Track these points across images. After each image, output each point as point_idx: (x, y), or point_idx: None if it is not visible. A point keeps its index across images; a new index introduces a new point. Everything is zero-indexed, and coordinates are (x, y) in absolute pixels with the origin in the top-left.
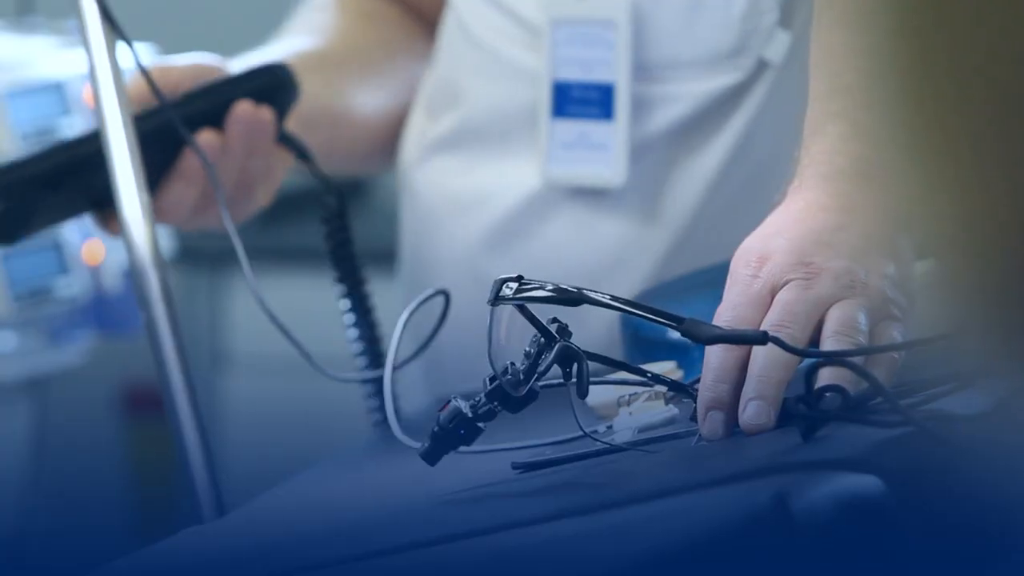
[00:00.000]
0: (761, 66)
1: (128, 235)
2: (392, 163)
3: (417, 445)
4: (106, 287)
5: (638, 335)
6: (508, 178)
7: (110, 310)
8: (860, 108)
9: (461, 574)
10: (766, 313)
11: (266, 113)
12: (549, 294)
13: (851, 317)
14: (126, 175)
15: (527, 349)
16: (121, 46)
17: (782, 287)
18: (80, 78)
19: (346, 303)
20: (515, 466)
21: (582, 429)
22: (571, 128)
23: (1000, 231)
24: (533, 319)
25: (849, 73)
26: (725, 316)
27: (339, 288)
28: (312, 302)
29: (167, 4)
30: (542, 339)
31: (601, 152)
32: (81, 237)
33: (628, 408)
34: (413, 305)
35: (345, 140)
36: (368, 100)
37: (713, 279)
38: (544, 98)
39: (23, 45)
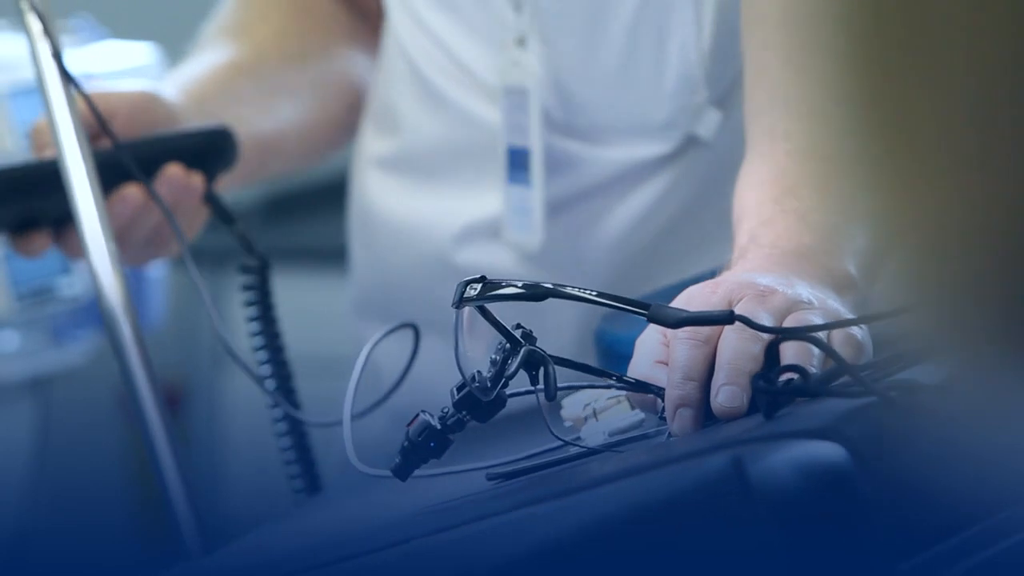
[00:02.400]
0: (690, 140)
1: (98, 284)
2: (328, 156)
3: (379, 472)
4: None
5: (610, 351)
6: (441, 212)
7: None
8: (812, 210)
9: (432, 564)
10: None
11: (196, 179)
12: (517, 291)
13: (809, 319)
14: (92, 225)
15: (493, 356)
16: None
17: (739, 300)
18: (83, 77)
19: (270, 381)
20: (490, 477)
21: (553, 433)
22: (515, 194)
23: (967, 229)
24: (497, 324)
25: (803, 186)
26: (686, 327)
27: (260, 354)
28: (316, 302)
29: (169, 4)
30: (507, 345)
31: (526, 216)
32: None
33: (595, 415)
34: (376, 338)
35: (277, 159)
36: (300, 110)
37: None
38: (502, 164)
39: (25, 45)
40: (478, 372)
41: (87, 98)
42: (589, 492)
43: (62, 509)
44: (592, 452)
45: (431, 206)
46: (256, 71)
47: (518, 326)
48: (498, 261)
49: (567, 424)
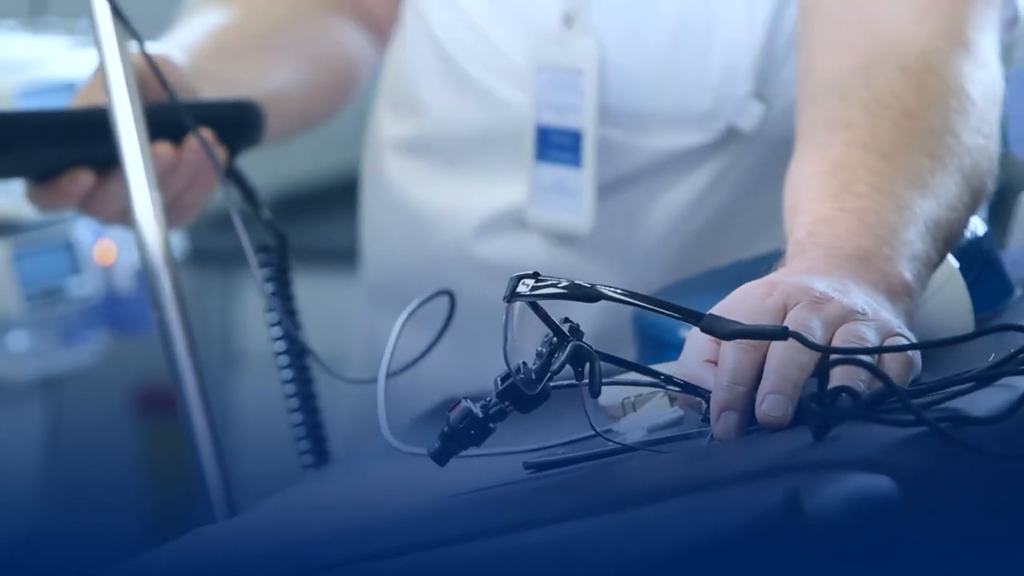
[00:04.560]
0: (731, 132)
1: (140, 237)
2: (321, 123)
3: (413, 450)
4: (118, 287)
5: (648, 335)
6: (467, 199)
7: (122, 310)
8: (870, 210)
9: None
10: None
11: (220, 153)
12: (565, 291)
13: (860, 331)
14: (139, 178)
15: (539, 349)
16: (132, 44)
17: (795, 305)
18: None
19: (287, 374)
20: (527, 466)
21: (594, 429)
22: (550, 173)
23: None
24: (546, 318)
25: (861, 181)
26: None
27: (275, 330)
28: (326, 301)
29: (181, 5)
30: (554, 338)
31: (572, 198)
32: (93, 237)
33: (634, 410)
34: (413, 306)
35: (277, 120)
36: (294, 72)
37: (726, 280)
38: (528, 142)
39: (36, 45)
40: (523, 364)
41: (148, 57)
42: (633, 510)
43: (71, 509)
44: (631, 449)
45: (453, 193)
46: (250, 32)
47: (566, 320)
48: (524, 252)
49: (607, 413)
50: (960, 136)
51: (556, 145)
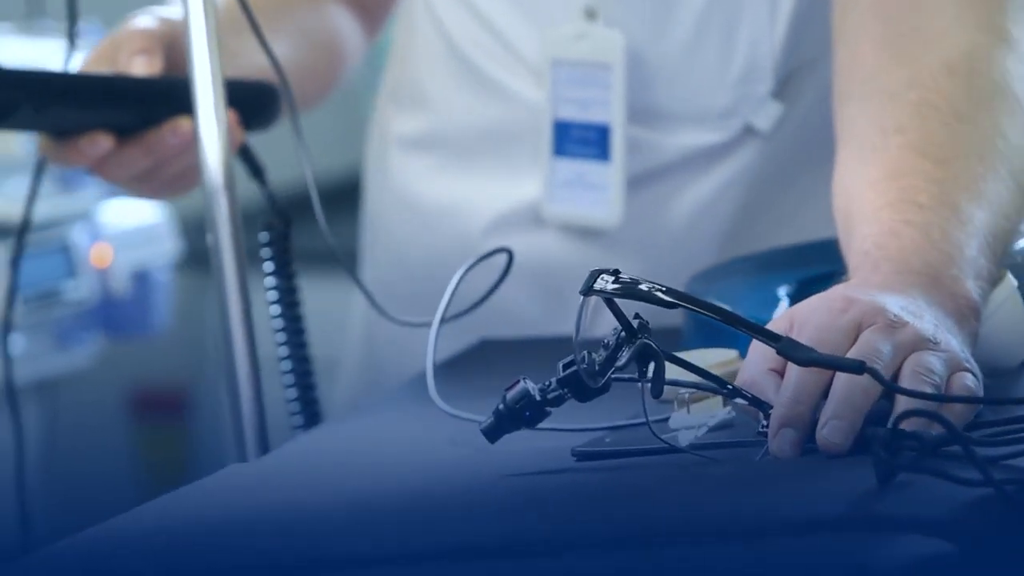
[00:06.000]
0: (748, 131)
1: (203, 157)
2: (310, 107)
3: (465, 416)
4: (114, 290)
5: (700, 319)
6: (477, 195)
7: (118, 313)
8: (934, 225)
9: None
10: (851, 344)
11: (237, 133)
12: (645, 292)
13: (929, 362)
14: (207, 97)
15: (606, 341)
16: None
17: (868, 327)
18: None
19: (284, 351)
20: (574, 454)
21: (649, 426)
22: (570, 167)
23: None
24: (619, 313)
25: (921, 191)
26: (808, 338)
27: (275, 323)
28: (322, 302)
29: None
30: (622, 333)
31: (598, 192)
32: (89, 240)
33: (687, 409)
34: (471, 262)
35: None
36: (291, 51)
37: (758, 265)
38: (545, 136)
39: (33, 48)
40: (588, 354)
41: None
42: (693, 550)
43: (67, 512)
44: (682, 451)
45: (462, 189)
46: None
47: (636, 315)
48: (535, 248)
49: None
50: (1009, 138)
51: (578, 140)
